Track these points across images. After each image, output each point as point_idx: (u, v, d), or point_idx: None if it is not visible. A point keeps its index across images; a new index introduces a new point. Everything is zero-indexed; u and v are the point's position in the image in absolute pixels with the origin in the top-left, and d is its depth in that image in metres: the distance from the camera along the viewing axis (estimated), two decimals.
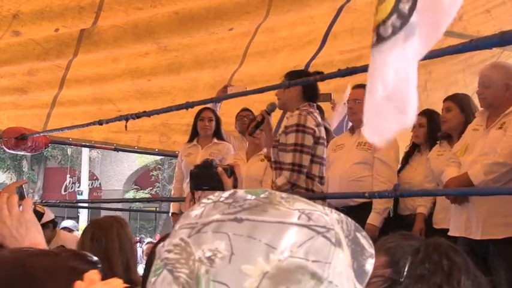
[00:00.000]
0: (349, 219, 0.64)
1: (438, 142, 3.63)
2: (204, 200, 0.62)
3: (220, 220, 0.58)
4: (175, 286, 0.55)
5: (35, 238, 1.22)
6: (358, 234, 0.63)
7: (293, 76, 3.35)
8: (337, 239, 0.58)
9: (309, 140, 3.30)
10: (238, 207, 0.59)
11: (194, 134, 4.42)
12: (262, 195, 0.60)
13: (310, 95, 3.43)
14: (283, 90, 3.36)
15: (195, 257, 0.56)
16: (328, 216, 0.60)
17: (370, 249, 0.63)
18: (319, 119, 3.45)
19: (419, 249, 1.06)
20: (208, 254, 0.55)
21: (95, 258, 0.89)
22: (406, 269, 1.01)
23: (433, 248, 1.07)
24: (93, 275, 0.73)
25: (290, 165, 3.29)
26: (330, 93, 4.43)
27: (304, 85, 3.34)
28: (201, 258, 0.55)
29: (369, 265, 0.62)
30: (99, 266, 0.83)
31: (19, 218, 1.23)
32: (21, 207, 1.26)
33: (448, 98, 3.60)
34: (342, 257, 0.58)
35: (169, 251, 0.58)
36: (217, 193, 0.63)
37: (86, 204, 12.54)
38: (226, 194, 0.62)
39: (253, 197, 0.60)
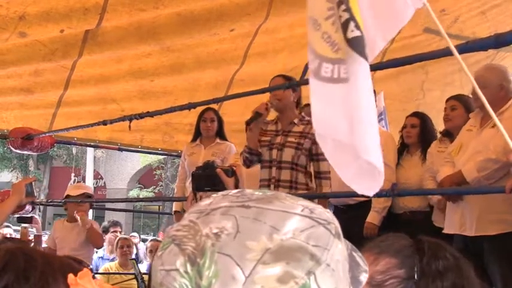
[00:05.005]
0: (348, 242, 0.69)
1: (438, 138, 3.69)
2: (213, 195, 0.65)
3: (229, 206, 0.61)
4: (181, 256, 0.58)
5: None
6: (354, 254, 0.68)
7: (287, 80, 3.42)
8: (337, 232, 0.61)
9: None
10: (246, 198, 0.63)
11: (197, 134, 4.47)
12: (269, 193, 0.64)
13: (299, 103, 3.56)
14: (284, 92, 3.39)
15: (202, 233, 0.59)
16: (329, 214, 0.63)
17: (364, 266, 0.68)
18: None
19: (423, 248, 1.08)
20: (215, 230, 0.58)
21: (88, 263, 0.97)
22: (417, 268, 1.04)
23: (435, 246, 1.09)
24: (85, 272, 0.77)
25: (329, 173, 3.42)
26: None
27: (299, 94, 3.46)
28: (208, 234, 0.59)
29: (363, 277, 0.67)
30: (91, 268, 0.90)
31: None
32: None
33: (453, 98, 3.64)
34: (340, 247, 0.61)
35: (177, 230, 0.62)
36: (225, 191, 0.67)
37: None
38: (235, 191, 0.66)
39: (261, 193, 0.64)
